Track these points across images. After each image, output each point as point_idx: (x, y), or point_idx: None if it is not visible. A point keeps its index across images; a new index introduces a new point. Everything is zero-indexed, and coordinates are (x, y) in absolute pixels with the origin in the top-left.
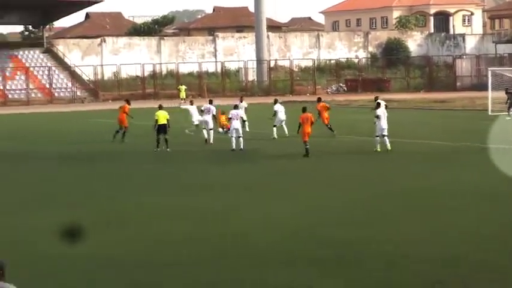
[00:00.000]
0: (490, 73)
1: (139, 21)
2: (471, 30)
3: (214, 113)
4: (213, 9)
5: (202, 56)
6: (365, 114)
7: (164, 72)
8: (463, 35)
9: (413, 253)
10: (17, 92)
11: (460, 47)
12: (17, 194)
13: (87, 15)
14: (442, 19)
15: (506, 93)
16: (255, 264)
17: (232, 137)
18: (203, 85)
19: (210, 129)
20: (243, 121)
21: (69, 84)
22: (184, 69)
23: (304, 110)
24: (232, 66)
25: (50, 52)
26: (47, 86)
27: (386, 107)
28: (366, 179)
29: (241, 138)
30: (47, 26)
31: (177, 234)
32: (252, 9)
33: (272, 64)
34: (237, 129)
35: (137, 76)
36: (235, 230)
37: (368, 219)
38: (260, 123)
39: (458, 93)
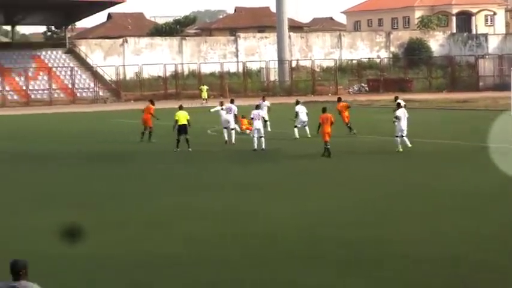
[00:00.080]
0: None
1: (161, 21)
2: (493, 30)
3: (236, 112)
4: (235, 10)
5: (224, 56)
6: (387, 114)
7: (186, 72)
8: (485, 35)
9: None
10: (40, 92)
11: (482, 47)
12: (41, 191)
13: (109, 16)
14: (464, 19)
15: None
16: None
17: (254, 137)
18: (225, 85)
19: (232, 129)
20: (265, 121)
21: (92, 85)
22: (206, 69)
23: (324, 110)
24: (253, 66)
25: (73, 52)
26: (70, 86)
27: (404, 106)
28: (384, 179)
29: (262, 138)
30: (69, 27)
31: (204, 234)
32: (273, 9)
33: (294, 64)
34: (258, 129)
35: (159, 76)
36: (260, 230)
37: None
38: (282, 123)
39: (480, 93)
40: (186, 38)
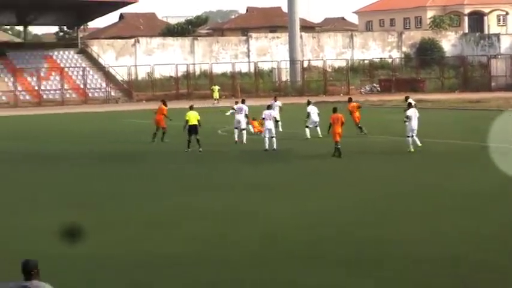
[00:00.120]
0: None
1: (172, 21)
2: (506, 30)
3: (247, 113)
4: (246, 10)
5: (236, 56)
6: (399, 114)
7: (198, 72)
8: (497, 35)
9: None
10: (52, 92)
11: (494, 47)
12: (51, 191)
13: (121, 16)
14: (477, 19)
15: None
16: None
17: (265, 137)
18: (236, 85)
19: (243, 129)
20: (276, 121)
21: (103, 85)
22: (217, 69)
23: (334, 110)
24: (265, 66)
25: (85, 53)
26: (82, 86)
27: (415, 106)
28: (395, 179)
29: (274, 139)
30: (82, 27)
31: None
32: (285, 9)
33: (305, 64)
34: (270, 130)
35: (171, 76)
36: (265, 230)
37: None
38: (293, 123)
39: (493, 93)
40: (198, 38)
